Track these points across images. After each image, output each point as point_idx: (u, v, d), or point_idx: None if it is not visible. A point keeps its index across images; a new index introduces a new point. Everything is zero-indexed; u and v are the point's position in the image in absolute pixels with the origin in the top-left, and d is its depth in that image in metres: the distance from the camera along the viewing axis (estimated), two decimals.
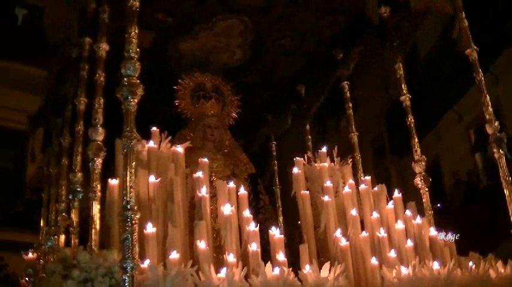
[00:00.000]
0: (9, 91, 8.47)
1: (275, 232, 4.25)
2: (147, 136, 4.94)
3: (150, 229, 3.87)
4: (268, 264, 3.81)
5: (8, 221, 7.04)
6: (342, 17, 5.93)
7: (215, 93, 6.11)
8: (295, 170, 5.20)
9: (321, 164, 5.29)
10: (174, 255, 3.73)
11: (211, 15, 5.85)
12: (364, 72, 6.43)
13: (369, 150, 9.20)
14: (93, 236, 4.16)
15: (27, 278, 6.07)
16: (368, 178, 5.29)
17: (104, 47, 4.82)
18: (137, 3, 4.10)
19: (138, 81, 3.81)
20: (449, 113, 9.97)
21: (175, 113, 6.26)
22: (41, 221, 6.50)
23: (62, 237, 5.39)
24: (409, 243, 4.54)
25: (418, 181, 5.34)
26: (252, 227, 4.20)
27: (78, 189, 4.93)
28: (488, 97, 4.95)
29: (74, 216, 4.90)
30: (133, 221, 3.39)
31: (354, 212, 4.73)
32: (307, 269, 3.96)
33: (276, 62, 6.54)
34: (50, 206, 6.14)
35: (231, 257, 3.88)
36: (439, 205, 5.29)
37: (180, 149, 4.95)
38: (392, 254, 4.40)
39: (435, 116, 9.29)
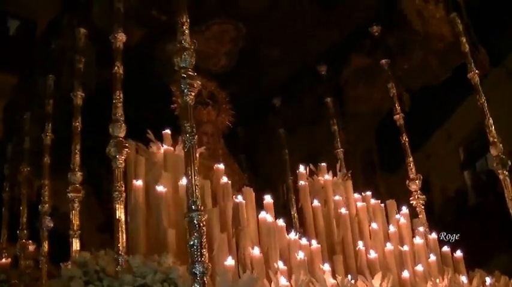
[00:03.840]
0: None
1: (312, 242, 4.13)
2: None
3: None
4: (327, 272, 3.69)
5: None
6: (335, 31, 5.96)
7: (210, 99, 5.89)
8: (301, 182, 5.10)
9: (325, 177, 5.24)
10: (230, 261, 3.50)
11: (207, 18, 5.66)
12: (354, 87, 6.47)
13: (358, 166, 9.25)
14: (120, 239, 3.78)
15: None
16: (369, 193, 5.30)
17: (121, 38, 4.46)
18: None
19: (194, 73, 3.56)
20: (438, 131, 10.34)
21: (152, 117, 5.95)
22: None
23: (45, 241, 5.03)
24: (432, 257, 4.59)
25: (414, 199, 5.41)
26: (293, 235, 4.06)
27: (79, 189, 4.62)
28: (491, 120, 5.13)
29: (75, 219, 4.54)
30: (201, 224, 3.13)
31: (374, 225, 4.72)
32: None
33: (259, 72, 6.43)
34: (22, 207, 5.64)
35: (281, 265, 3.71)
36: None
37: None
38: (419, 267, 4.41)
39: (425, 134, 9.57)
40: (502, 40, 8.98)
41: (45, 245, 4.94)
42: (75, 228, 4.46)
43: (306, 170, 5.24)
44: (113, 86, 4.33)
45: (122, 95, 4.29)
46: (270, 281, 3.59)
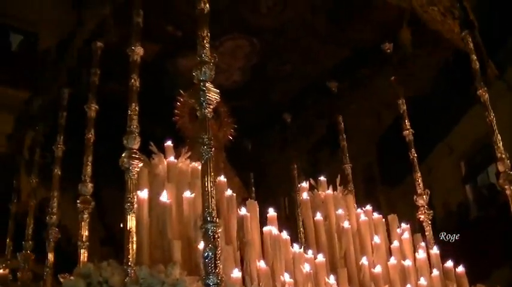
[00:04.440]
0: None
1: (318, 256, 4.18)
2: None
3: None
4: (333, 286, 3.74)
5: None
6: (345, 48, 6.01)
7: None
8: (304, 196, 5.15)
9: (326, 192, 5.27)
10: (237, 273, 3.55)
11: (222, 33, 5.71)
12: (356, 103, 6.53)
13: (359, 180, 9.35)
14: (130, 251, 3.81)
15: None
16: (369, 207, 5.33)
17: (138, 51, 4.52)
18: (207, 6, 3.87)
19: (213, 86, 3.61)
20: (440, 145, 10.37)
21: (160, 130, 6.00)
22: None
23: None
24: (435, 272, 4.63)
25: (422, 214, 5.42)
26: (297, 248, 4.11)
27: (89, 201, 4.68)
28: (499, 136, 5.14)
29: (83, 230, 4.59)
30: (215, 235, 3.16)
31: (377, 239, 4.76)
32: None
33: (271, 87, 6.49)
34: (28, 219, 5.70)
35: (287, 278, 3.76)
36: None
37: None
38: (422, 281, 4.45)
39: (426, 149, 9.59)
40: (502, 54, 9.03)
41: (51, 257, 4.96)
42: (83, 239, 4.50)
43: (307, 184, 5.29)
44: (128, 98, 4.38)
45: (137, 107, 4.33)
46: None
